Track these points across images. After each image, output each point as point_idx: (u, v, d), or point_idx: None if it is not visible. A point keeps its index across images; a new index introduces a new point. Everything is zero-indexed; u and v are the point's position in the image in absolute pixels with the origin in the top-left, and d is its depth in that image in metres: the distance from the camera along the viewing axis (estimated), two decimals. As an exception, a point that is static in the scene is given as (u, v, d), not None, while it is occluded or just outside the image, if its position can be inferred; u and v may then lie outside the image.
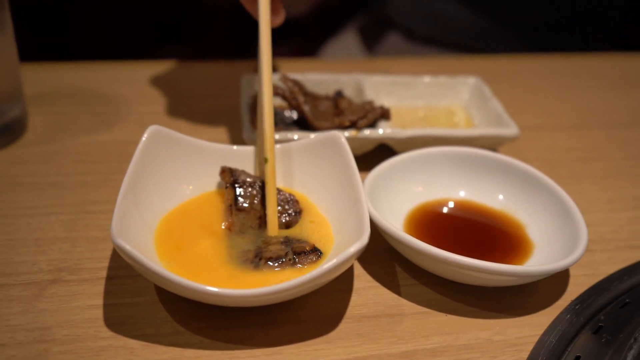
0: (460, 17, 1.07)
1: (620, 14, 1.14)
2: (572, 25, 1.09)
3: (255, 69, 0.79)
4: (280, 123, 0.65)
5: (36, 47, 0.97)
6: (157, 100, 0.74)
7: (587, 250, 0.54)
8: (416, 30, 1.11)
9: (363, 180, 0.51)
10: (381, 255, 0.52)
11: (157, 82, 0.78)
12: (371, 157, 0.61)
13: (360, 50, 1.15)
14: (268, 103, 0.51)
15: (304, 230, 0.50)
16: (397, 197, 0.55)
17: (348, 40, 1.16)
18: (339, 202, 0.50)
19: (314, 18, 1.14)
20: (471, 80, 0.73)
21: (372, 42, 1.15)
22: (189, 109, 0.72)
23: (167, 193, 0.50)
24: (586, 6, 1.06)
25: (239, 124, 0.65)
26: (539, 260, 0.49)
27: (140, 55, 0.84)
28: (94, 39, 1.02)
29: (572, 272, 0.52)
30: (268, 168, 0.50)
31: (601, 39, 1.12)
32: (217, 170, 0.53)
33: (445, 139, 0.61)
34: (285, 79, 0.64)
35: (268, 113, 0.51)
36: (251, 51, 0.89)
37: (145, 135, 0.50)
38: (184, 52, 0.90)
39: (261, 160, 0.52)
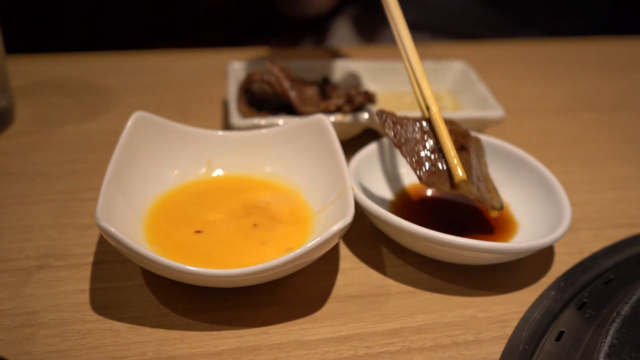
0: (449, 3, 1.07)
1: (603, 11, 1.14)
2: (561, 9, 1.09)
3: (243, 57, 0.79)
4: (268, 109, 0.65)
5: (24, 39, 0.97)
6: (146, 90, 0.74)
7: (572, 229, 0.54)
8: (405, 18, 1.11)
9: (349, 163, 0.51)
10: (367, 237, 0.52)
11: (146, 72, 0.78)
12: (357, 141, 0.61)
13: (352, 39, 1.15)
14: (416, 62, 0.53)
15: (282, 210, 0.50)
16: (383, 179, 0.55)
17: (339, 31, 1.16)
18: (324, 185, 0.50)
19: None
20: (458, 65, 0.73)
21: (362, 31, 1.15)
22: (178, 97, 0.73)
23: (153, 178, 0.51)
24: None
25: (227, 111, 0.65)
26: (523, 239, 0.50)
27: (130, 48, 0.84)
28: (85, 33, 1.02)
29: (557, 250, 0.52)
30: (434, 114, 0.50)
31: (590, 24, 1.12)
32: (203, 155, 0.53)
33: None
34: (271, 64, 0.64)
35: (418, 69, 0.52)
36: (242, 43, 0.89)
37: (130, 121, 0.50)
38: (175, 45, 0.90)
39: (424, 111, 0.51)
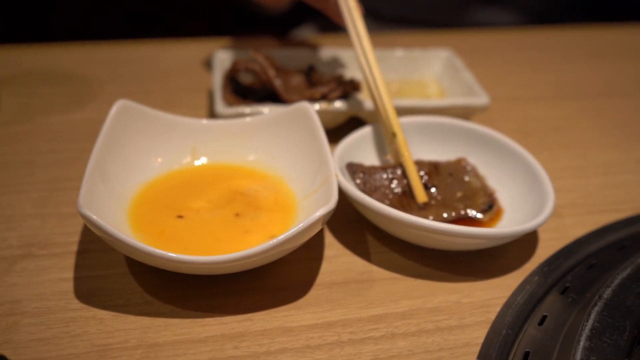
0: None
1: None
2: None
3: (229, 46, 0.79)
4: (253, 98, 0.65)
5: (7, 29, 0.96)
6: (131, 80, 0.73)
7: (557, 215, 0.55)
8: (384, 13, 1.11)
9: (334, 150, 0.51)
10: (352, 224, 0.52)
11: (131, 62, 0.78)
12: (343, 129, 0.61)
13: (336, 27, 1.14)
14: (380, 81, 0.55)
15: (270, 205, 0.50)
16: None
17: (314, 30, 1.16)
18: (308, 172, 0.50)
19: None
20: (443, 53, 0.73)
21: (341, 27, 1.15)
22: (163, 87, 0.72)
23: (136, 166, 0.50)
24: None
25: (213, 100, 0.65)
26: (507, 224, 0.50)
27: (116, 38, 0.83)
28: (70, 23, 1.01)
29: (541, 236, 0.52)
30: (399, 141, 0.53)
31: (575, 10, 1.12)
32: (187, 143, 0.53)
33: (416, 110, 0.61)
34: (256, 53, 0.64)
35: (384, 91, 0.55)
36: (228, 33, 0.89)
37: (114, 109, 0.50)
38: (160, 35, 0.89)
39: (389, 137, 0.54)
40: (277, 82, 0.62)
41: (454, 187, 0.53)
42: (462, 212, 0.51)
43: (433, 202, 0.52)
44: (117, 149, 0.49)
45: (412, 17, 1.10)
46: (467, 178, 0.54)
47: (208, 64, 0.75)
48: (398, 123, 0.54)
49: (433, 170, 0.53)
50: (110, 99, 0.68)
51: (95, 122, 0.63)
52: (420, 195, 0.52)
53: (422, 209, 0.51)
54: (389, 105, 0.54)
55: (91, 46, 0.81)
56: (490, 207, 0.52)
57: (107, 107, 0.67)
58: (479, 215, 0.51)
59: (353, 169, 0.53)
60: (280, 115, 0.54)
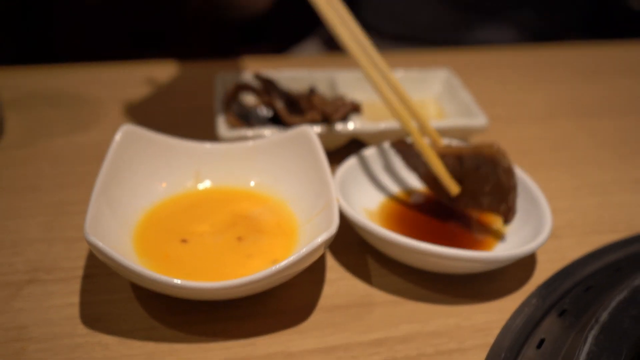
0: (424, 12, 1.09)
1: (577, 6, 1.16)
2: (539, 13, 1.11)
3: (230, 68, 0.80)
4: (255, 120, 0.66)
5: (11, 52, 0.97)
6: (135, 101, 0.74)
7: (555, 236, 0.56)
8: (384, 30, 1.13)
9: (335, 173, 0.52)
10: (353, 247, 0.53)
11: (135, 83, 0.79)
12: (344, 151, 0.62)
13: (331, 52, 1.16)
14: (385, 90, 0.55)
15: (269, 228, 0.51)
16: (368, 189, 0.56)
17: (318, 45, 1.18)
18: (310, 196, 0.51)
19: (284, 20, 1.15)
20: (442, 73, 0.74)
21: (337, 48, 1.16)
22: (166, 108, 0.73)
23: (141, 191, 0.51)
24: None
25: (215, 122, 0.66)
26: (505, 247, 0.51)
27: (119, 59, 0.84)
28: (73, 45, 1.02)
29: (539, 257, 0.53)
30: (417, 139, 0.54)
31: (570, 28, 1.14)
32: (190, 167, 0.54)
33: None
34: (258, 76, 0.65)
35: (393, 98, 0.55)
36: (230, 52, 0.90)
37: (118, 134, 0.51)
38: (163, 55, 0.90)
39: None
40: (279, 105, 0.63)
41: (482, 180, 0.52)
42: (487, 209, 0.52)
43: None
44: (122, 174, 0.50)
45: (412, 35, 1.12)
46: (497, 170, 0.51)
47: (211, 85, 0.76)
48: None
49: (457, 164, 0.53)
50: (114, 121, 0.70)
51: (99, 144, 0.65)
52: (452, 188, 0.53)
53: (452, 200, 0.54)
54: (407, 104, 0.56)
55: (95, 67, 0.82)
56: (506, 221, 0.51)
57: (111, 129, 0.68)
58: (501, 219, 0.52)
59: (397, 148, 0.57)
60: (282, 140, 0.55)
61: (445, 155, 0.54)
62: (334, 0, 0.56)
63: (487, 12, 1.09)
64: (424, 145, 0.54)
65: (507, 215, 0.50)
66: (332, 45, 1.19)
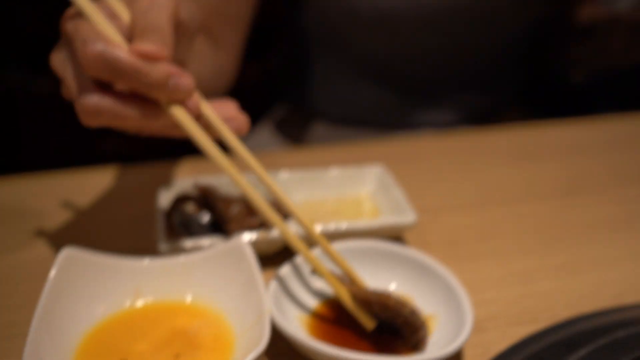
0: (369, 96, 1.15)
1: (517, 84, 1.24)
2: (480, 94, 1.18)
3: (171, 171, 0.83)
4: (196, 227, 0.69)
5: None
6: (79, 210, 0.77)
7: (480, 329, 0.59)
8: (332, 113, 1.19)
9: (269, 284, 0.56)
10: (291, 353, 0.55)
11: (80, 191, 0.81)
12: (282, 255, 0.65)
13: (277, 139, 1.21)
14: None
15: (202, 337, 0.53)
16: (303, 296, 0.59)
17: (264, 132, 1.22)
18: (245, 308, 0.54)
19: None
20: (376, 170, 0.78)
21: (288, 130, 1.22)
22: (109, 215, 0.76)
23: (81, 314, 0.53)
24: (484, 78, 1.16)
25: (156, 233, 0.69)
26: (432, 346, 0.54)
27: (60, 167, 0.87)
28: (12, 155, 1.04)
29: (466, 352, 0.56)
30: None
31: (511, 107, 1.22)
32: (130, 285, 0.56)
33: (348, 232, 0.66)
34: (196, 186, 0.69)
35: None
36: (170, 155, 0.93)
37: (59, 259, 0.53)
38: (105, 160, 0.93)
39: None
40: (218, 213, 0.67)
41: (392, 316, 0.56)
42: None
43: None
44: (62, 299, 0.52)
45: (358, 117, 1.17)
46: (403, 313, 0.55)
47: (153, 189, 0.78)
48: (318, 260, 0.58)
49: (366, 305, 0.56)
50: (60, 234, 0.72)
51: (44, 261, 0.67)
52: (368, 324, 0.56)
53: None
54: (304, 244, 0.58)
55: (38, 178, 0.85)
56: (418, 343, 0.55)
57: (57, 243, 0.70)
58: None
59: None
60: (217, 253, 0.58)
61: (355, 296, 0.56)
62: (205, 107, 0.58)
63: (428, 96, 1.16)
64: (334, 282, 0.56)
65: (418, 346, 0.54)
66: (283, 130, 1.24)
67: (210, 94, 0.90)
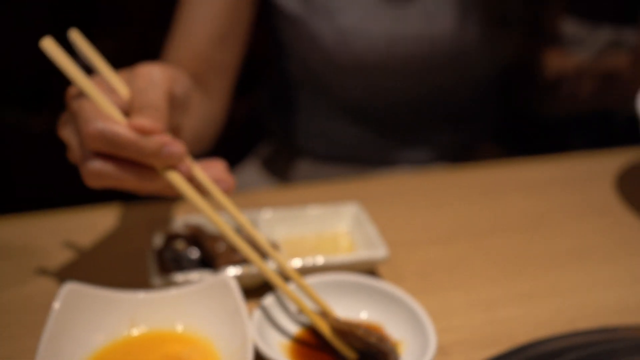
0: (349, 135, 1.22)
1: (491, 122, 1.32)
2: (457, 133, 1.26)
3: (164, 211, 0.89)
4: (186, 262, 0.74)
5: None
6: (79, 248, 0.82)
7: (445, 353, 0.65)
8: (317, 151, 1.26)
9: (253, 313, 0.61)
10: (271, 377, 0.61)
11: (78, 229, 0.87)
12: (267, 285, 0.71)
13: (263, 175, 1.28)
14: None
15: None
16: (285, 323, 0.65)
17: (251, 168, 1.29)
18: (231, 336, 0.60)
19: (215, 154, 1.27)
20: (352, 208, 0.85)
21: (273, 167, 1.28)
22: (106, 253, 0.82)
23: (81, 344, 0.59)
24: (458, 118, 1.24)
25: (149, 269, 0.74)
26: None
27: (60, 206, 0.93)
28: (13, 194, 1.10)
29: (432, 377, 0.62)
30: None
31: (473, 148, 1.29)
32: (126, 316, 0.62)
33: (325, 267, 0.72)
34: (186, 225, 0.75)
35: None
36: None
37: (61, 294, 0.59)
38: (102, 199, 0.99)
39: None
40: (206, 250, 0.73)
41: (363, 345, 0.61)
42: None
43: None
44: (66, 328, 0.58)
45: (341, 155, 1.25)
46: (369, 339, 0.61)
47: (148, 226, 0.84)
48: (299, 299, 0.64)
49: (343, 335, 0.62)
50: (60, 269, 0.78)
51: (46, 294, 0.72)
52: (349, 355, 0.62)
53: None
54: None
55: (39, 217, 0.90)
56: None
57: (57, 278, 0.76)
58: None
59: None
60: (206, 286, 0.64)
61: (332, 328, 0.62)
62: (196, 170, 0.65)
63: (404, 135, 1.23)
64: (312, 315, 0.62)
65: None
66: (269, 167, 1.31)
67: (203, 139, 0.97)
